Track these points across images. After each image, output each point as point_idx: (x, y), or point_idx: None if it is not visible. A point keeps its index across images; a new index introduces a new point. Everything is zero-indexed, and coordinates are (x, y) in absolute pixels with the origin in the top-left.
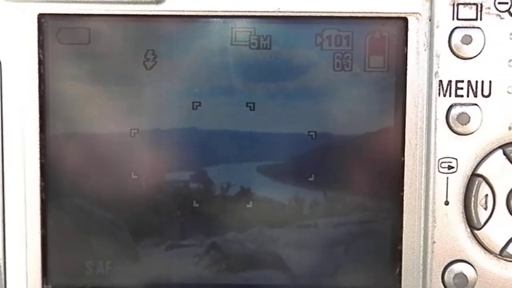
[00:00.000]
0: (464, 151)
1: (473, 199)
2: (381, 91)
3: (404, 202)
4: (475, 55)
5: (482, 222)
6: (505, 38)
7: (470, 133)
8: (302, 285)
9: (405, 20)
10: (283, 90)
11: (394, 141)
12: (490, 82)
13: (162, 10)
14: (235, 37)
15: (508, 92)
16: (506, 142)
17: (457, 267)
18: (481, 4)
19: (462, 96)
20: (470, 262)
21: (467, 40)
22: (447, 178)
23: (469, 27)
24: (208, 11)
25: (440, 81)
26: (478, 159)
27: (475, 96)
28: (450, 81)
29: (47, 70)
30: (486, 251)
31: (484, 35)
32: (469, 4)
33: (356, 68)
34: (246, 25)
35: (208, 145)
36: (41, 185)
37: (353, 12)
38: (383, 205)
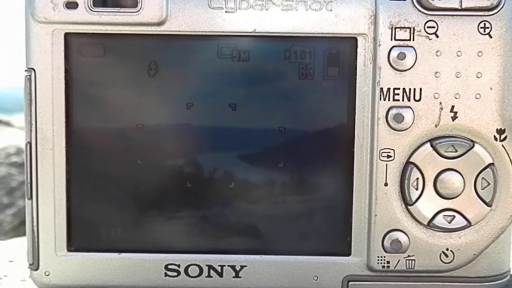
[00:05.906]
0: (400, 144)
1: (406, 181)
2: (336, 95)
3: (354, 184)
4: (408, 68)
5: (414, 199)
6: (432, 54)
7: (404, 130)
8: (273, 249)
9: (355, 39)
10: (259, 94)
11: (346, 136)
12: (421, 89)
13: (163, 30)
14: (221, 52)
15: (435, 97)
16: (433, 137)
17: (394, 235)
18: (413, 28)
19: (398, 100)
20: (404, 231)
21: (402, 56)
22: (386, 165)
23: (404, 46)
24: (199, 31)
25: (381, 88)
26: (411, 150)
27: (409, 100)
28: (389, 89)
29: (71, 77)
30: (417, 222)
31: (415, 52)
32: (404, 27)
33: (317, 77)
34: (229, 42)
35: (199, 137)
36: (66, 169)
37: (314, 33)
38: (337, 186)
